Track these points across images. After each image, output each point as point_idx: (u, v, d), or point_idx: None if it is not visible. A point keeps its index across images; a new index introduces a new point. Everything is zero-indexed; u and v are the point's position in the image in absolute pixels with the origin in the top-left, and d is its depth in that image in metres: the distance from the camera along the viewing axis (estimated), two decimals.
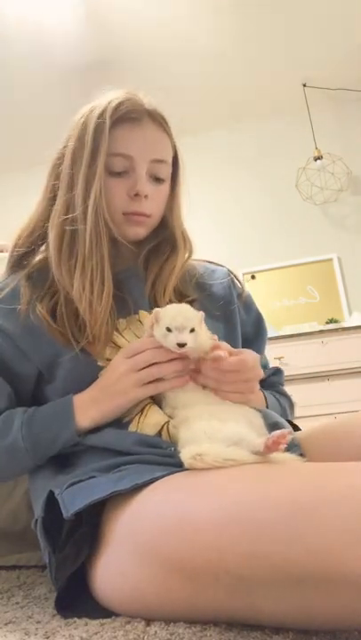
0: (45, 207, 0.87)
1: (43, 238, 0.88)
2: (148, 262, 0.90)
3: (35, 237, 0.89)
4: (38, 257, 0.90)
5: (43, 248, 0.89)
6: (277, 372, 1.01)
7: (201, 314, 0.75)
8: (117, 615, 0.60)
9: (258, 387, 0.81)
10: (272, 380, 0.99)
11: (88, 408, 0.75)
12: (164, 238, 0.91)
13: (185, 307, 0.75)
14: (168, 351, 0.73)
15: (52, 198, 0.86)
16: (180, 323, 0.71)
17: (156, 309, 0.75)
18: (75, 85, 2.85)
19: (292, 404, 1.01)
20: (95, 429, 0.76)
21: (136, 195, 0.82)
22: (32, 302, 0.82)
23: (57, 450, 0.76)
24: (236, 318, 0.93)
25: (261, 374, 0.80)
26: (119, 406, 0.75)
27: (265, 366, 0.99)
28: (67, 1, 2.55)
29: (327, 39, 2.93)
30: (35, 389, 0.85)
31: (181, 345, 0.70)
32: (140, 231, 0.86)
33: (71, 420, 0.75)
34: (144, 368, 0.74)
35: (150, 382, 0.74)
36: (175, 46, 2.87)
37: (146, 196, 0.83)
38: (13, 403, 0.82)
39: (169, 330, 0.71)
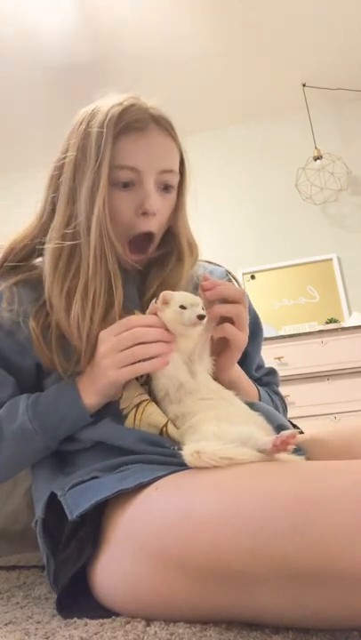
0: (43, 221, 0.84)
1: (34, 252, 0.84)
2: (150, 271, 0.87)
3: (27, 251, 0.85)
4: (35, 261, 0.86)
5: (39, 260, 0.85)
6: (272, 372, 1.00)
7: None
8: (117, 615, 0.60)
9: (248, 321, 0.78)
10: (267, 380, 0.98)
11: (88, 386, 0.75)
12: (170, 249, 0.87)
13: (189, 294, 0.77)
14: (157, 330, 0.72)
15: (50, 211, 0.83)
16: (192, 300, 0.73)
17: (164, 292, 0.74)
18: (61, 86, 2.84)
19: (285, 406, 1.00)
20: (92, 424, 0.75)
21: (144, 213, 0.78)
22: (25, 311, 0.79)
23: (67, 430, 0.75)
24: None
25: (247, 307, 0.78)
26: (106, 386, 0.73)
27: (260, 366, 0.99)
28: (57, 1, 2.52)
29: (327, 39, 2.93)
30: (37, 382, 0.84)
31: (201, 317, 0.71)
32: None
33: (77, 399, 0.74)
34: (127, 348, 0.71)
35: (130, 364, 0.72)
36: (174, 46, 2.87)
37: (154, 214, 0.79)
38: (18, 393, 0.81)
39: (183, 307, 0.72)
